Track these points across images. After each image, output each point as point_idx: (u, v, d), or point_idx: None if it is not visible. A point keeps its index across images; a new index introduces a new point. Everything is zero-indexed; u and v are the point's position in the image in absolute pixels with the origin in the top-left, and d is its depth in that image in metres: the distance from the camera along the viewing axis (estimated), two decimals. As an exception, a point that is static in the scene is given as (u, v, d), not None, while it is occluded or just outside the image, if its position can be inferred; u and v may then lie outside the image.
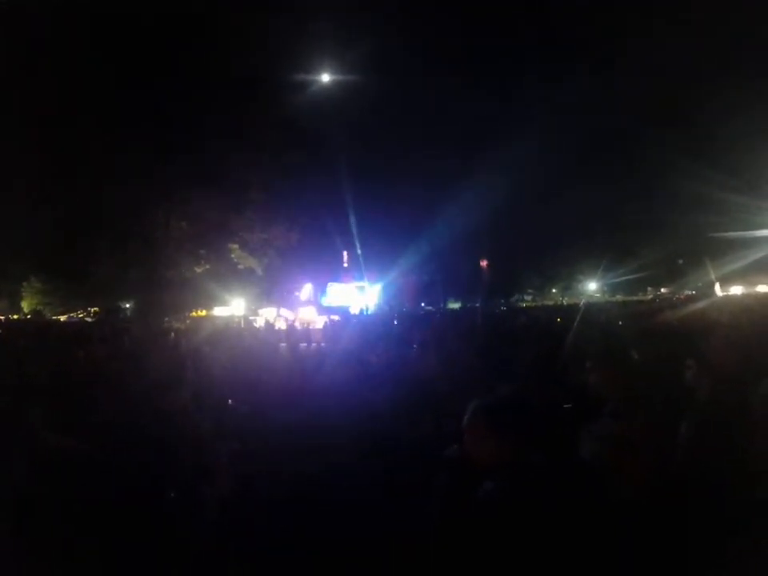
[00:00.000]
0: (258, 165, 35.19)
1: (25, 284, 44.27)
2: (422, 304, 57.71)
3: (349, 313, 30.43)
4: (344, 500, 3.38)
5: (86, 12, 29.07)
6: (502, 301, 62.14)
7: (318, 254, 43.57)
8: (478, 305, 44.27)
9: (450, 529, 2.49)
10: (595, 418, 3.00)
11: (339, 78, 34.72)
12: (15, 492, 3.36)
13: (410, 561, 2.77)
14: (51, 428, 3.97)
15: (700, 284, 38.95)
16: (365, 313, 29.49)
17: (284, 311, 34.87)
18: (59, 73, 30.10)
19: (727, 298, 22.18)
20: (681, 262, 53.53)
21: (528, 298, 73.10)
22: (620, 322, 12.46)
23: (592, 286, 64.25)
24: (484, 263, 59.50)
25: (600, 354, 3.67)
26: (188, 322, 28.80)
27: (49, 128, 31.10)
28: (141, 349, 9.66)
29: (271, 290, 39.72)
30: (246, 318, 30.35)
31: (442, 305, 55.29)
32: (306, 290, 42.95)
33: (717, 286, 26.69)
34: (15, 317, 40.00)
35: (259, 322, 25.69)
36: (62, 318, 38.57)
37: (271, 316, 33.06)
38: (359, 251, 47.30)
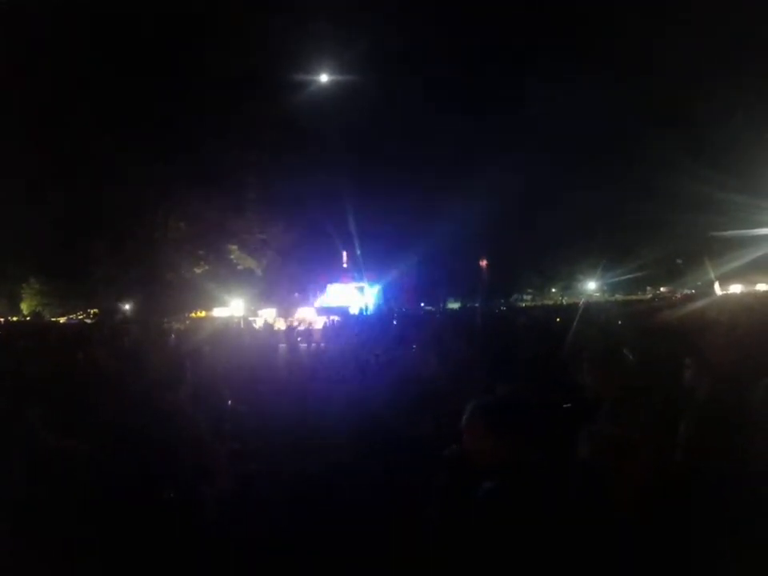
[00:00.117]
0: (257, 165, 35.22)
1: (24, 285, 44.23)
2: (422, 304, 57.73)
3: (348, 313, 30.44)
4: (343, 500, 3.38)
5: (85, 12, 29.06)
6: (502, 301, 62.16)
7: (317, 254, 43.60)
8: (477, 305, 44.29)
9: (450, 528, 2.49)
10: (594, 417, 3.01)
11: (338, 78, 34.73)
12: (15, 492, 3.36)
13: (410, 560, 2.77)
14: (51, 428, 3.97)
15: (699, 283, 38.97)
16: (364, 313, 29.51)
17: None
18: (58, 73, 30.13)
19: (726, 296, 22.19)
20: (679, 261, 53.50)
21: (527, 297, 73.10)
22: (619, 322, 12.47)
23: (591, 286, 64.19)
24: (483, 263, 59.44)
25: (596, 354, 3.68)
26: (187, 322, 28.79)
27: (48, 128, 31.10)
28: (140, 349, 9.66)
29: (270, 290, 39.73)
30: (245, 318, 30.35)
31: (441, 305, 55.31)
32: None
33: (716, 285, 26.70)
34: (14, 318, 39.99)
35: (258, 323, 25.68)
36: (62, 320, 38.55)
37: (270, 317, 33.07)
38: (358, 251, 47.31)
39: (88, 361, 8.40)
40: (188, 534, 3.30)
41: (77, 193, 32.29)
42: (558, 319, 14.90)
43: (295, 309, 36.73)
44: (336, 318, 26.33)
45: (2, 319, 34.99)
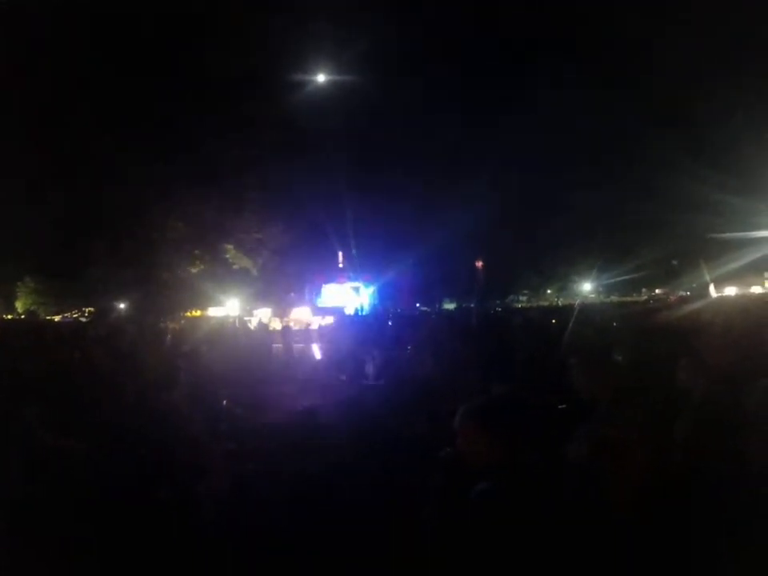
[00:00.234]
0: (255, 165, 35.19)
1: (19, 284, 44.09)
2: (417, 304, 57.74)
3: (344, 313, 30.41)
4: (339, 500, 3.38)
5: (82, 11, 29.01)
6: (498, 301, 62.24)
7: (314, 254, 43.57)
8: (473, 305, 44.30)
9: (446, 529, 2.49)
10: (589, 418, 3.01)
11: (336, 78, 34.69)
12: (11, 490, 3.35)
13: (406, 561, 2.77)
14: (47, 427, 3.97)
15: (694, 285, 39.04)
16: (360, 313, 29.49)
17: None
18: (57, 72, 30.07)
19: (722, 299, 22.24)
20: (675, 262, 53.58)
21: (523, 298, 73.23)
22: (614, 323, 12.49)
23: (587, 287, 64.29)
24: (479, 264, 59.48)
25: (589, 356, 3.69)
26: (182, 322, 28.75)
27: (46, 128, 31.04)
28: (136, 349, 9.64)
29: (266, 290, 39.69)
30: (240, 318, 30.31)
31: (437, 305, 55.33)
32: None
33: (711, 287, 26.73)
34: (9, 317, 39.86)
35: (254, 323, 25.65)
36: (57, 318, 38.43)
37: (266, 316, 33.03)
38: (354, 252, 47.29)
39: (83, 360, 8.39)
40: (184, 534, 3.30)
41: (75, 192, 32.23)
42: (553, 321, 14.91)
43: (291, 309, 36.71)
44: (331, 318, 26.30)
45: (-3, 317, 34.91)
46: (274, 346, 15.30)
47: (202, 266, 37.41)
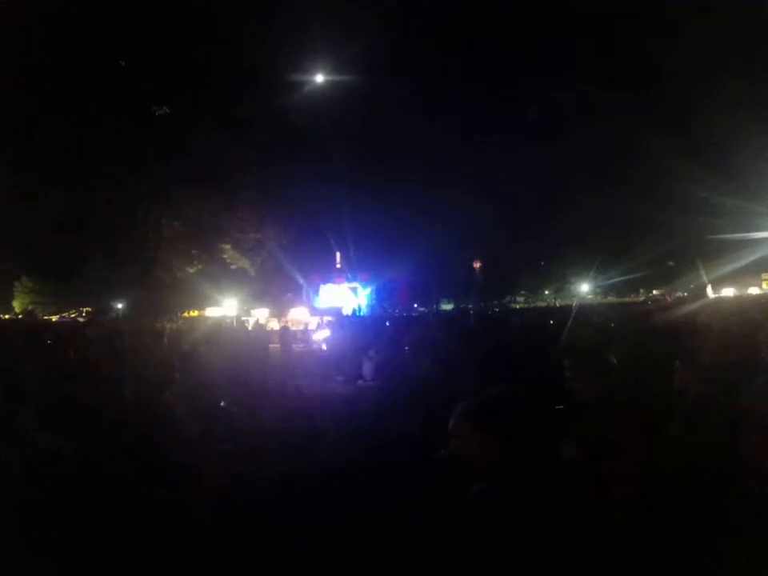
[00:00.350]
0: (251, 165, 35.16)
1: (17, 283, 44.08)
2: (415, 305, 57.79)
3: (341, 314, 30.44)
4: (335, 501, 3.38)
5: (77, 11, 28.97)
6: (495, 302, 62.33)
7: (311, 254, 43.59)
8: (470, 306, 44.36)
9: (442, 530, 2.49)
10: (584, 419, 3.01)
11: (333, 78, 34.69)
12: (7, 492, 3.35)
13: (403, 562, 2.77)
14: (43, 428, 3.96)
15: (692, 286, 39.11)
16: (357, 314, 29.53)
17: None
18: (53, 72, 30.02)
19: (719, 299, 22.26)
20: (671, 263, 53.70)
21: (521, 299, 73.35)
22: (611, 324, 12.49)
23: (585, 288, 64.40)
24: (477, 265, 59.57)
25: (584, 356, 3.70)
26: (180, 322, 28.75)
27: (42, 127, 31.00)
28: (133, 349, 9.62)
29: (263, 290, 39.70)
30: (238, 318, 30.31)
31: (434, 306, 55.41)
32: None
33: (708, 288, 26.77)
34: (7, 316, 39.85)
35: (251, 323, 25.67)
36: (54, 318, 38.43)
37: (263, 317, 33.05)
38: (352, 252, 47.35)
39: (81, 360, 8.37)
40: (182, 535, 3.30)
41: (70, 191, 32.18)
42: (551, 321, 14.91)
43: (288, 309, 36.74)
44: (329, 318, 26.31)
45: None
46: (271, 346, 15.32)
47: (200, 266, 37.39)
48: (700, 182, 35.87)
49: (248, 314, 35.35)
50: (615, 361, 3.55)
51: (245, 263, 38.43)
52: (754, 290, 39.24)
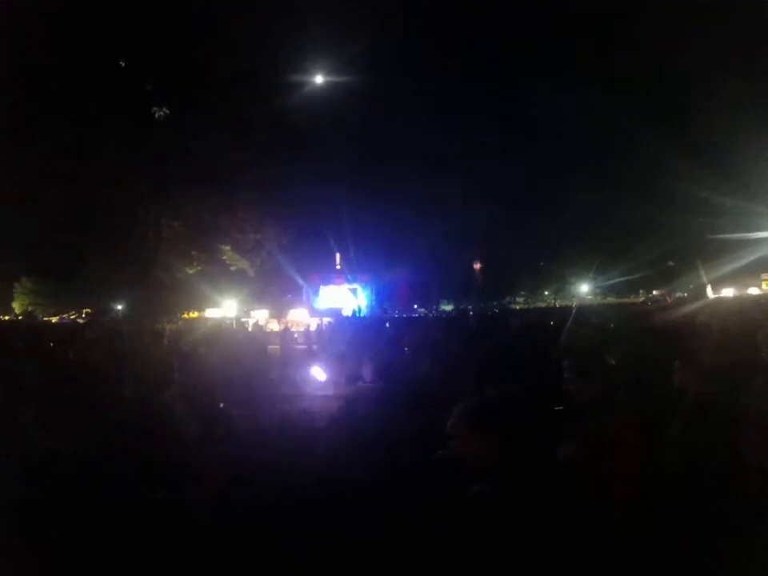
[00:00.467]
0: (251, 165, 35.15)
1: (16, 284, 44.06)
2: (415, 306, 57.81)
3: (341, 315, 30.44)
4: (333, 503, 3.38)
5: (76, 11, 28.98)
6: (495, 303, 62.36)
7: (311, 255, 43.58)
8: (470, 307, 44.39)
9: (440, 531, 2.49)
10: (583, 419, 3.02)
11: (334, 79, 34.72)
12: (6, 493, 3.35)
13: (401, 563, 2.77)
14: (43, 429, 3.96)
15: (692, 286, 39.12)
16: (357, 315, 29.53)
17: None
18: (53, 72, 30.02)
19: (719, 300, 22.26)
20: (671, 263, 53.72)
21: (521, 300, 73.37)
22: (611, 324, 12.49)
23: (584, 288, 64.42)
24: (477, 266, 59.61)
25: (584, 357, 3.70)
26: (180, 323, 28.75)
27: (41, 127, 31.01)
28: (133, 350, 9.63)
29: (263, 291, 39.68)
30: (238, 319, 30.32)
31: (434, 307, 55.45)
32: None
33: (708, 289, 26.79)
34: (6, 318, 39.85)
35: (251, 324, 25.69)
36: (54, 319, 38.43)
37: (263, 318, 33.05)
38: (352, 253, 47.37)
39: (80, 361, 8.38)
40: (180, 536, 3.30)
41: (69, 192, 32.18)
42: (551, 322, 14.91)
43: (287, 310, 36.75)
44: (329, 319, 26.33)
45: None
46: (270, 347, 15.32)
47: (199, 267, 37.37)
48: (700, 182, 35.90)
49: (248, 314, 35.35)
50: (614, 361, 3.55)
51: (244, 264, 38.41)
52: (753, 291, 39.25)
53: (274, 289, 40.74)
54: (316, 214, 40.18)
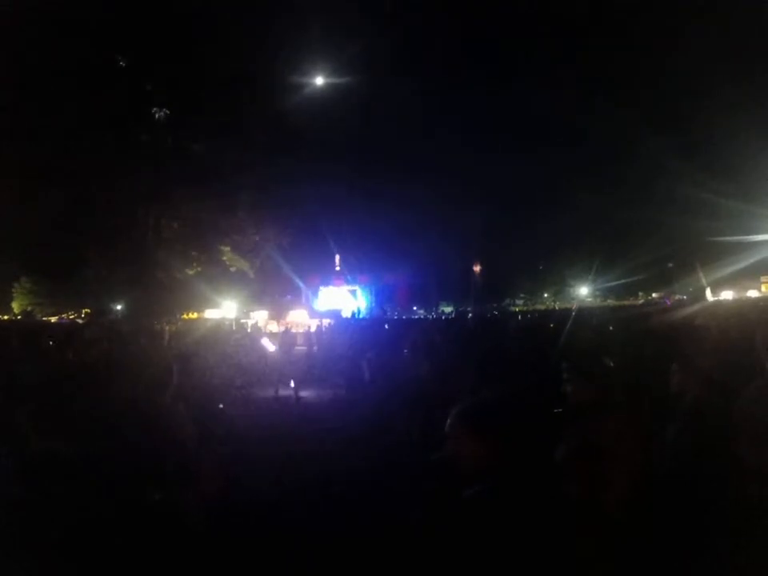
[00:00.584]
0: (250, 166, 35.11)
1: (15, 285, 44.03)
2: (415, 308, 57.79)
3: (340, 316, 30.42)
4: (332, 503, 3.38)
5: (76, 10, 28.97)
6: (494, 305, 62.32)
7: (310, 256, 43.57)
8: (469, 309, 44.38)
9: (438, 532, 2.50)
10: (581, 421, 3.02)
11: (334, 80, 34.72)
12: (7, 493, 3.35)
13: (397, 563, 2.77)
14: (41, 430, 3.96)
15: (691, 289, 39.14)
16: (357, 316, 29.51)
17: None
18: (51, 71, 29.99)
19: (718, 302, 22.26)
20: (670, 266, 53.69)
21: (520, 302, 73.31)
22: (610, 327, 12.49)
23: (584, 291, 64.41)
24: (477, 268, 59.58)
25: (582, 359, 3.70)
26: (179, 324, 28.72)
27: (40, 127, 30.97)
28: (132, 351, 9.63)
29: (263, 292, 39.65)
30: (237, 320, 30.30)
31: (434, 308, 55.43)
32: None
33: (708, 291, 26.78)
34: (5, 317, 39.82)
35: (250, 325, 25.67)
36: (53, 319, 38.40)
37: (262, 319, 33.03)
38: (351, 255, 47.37)
39: (79, 360, 8.37)
40: (179, 536, 3.30)
41: (67, 192, 32.13)
42: (551, 324, 14.91)
43: (287, 311, 36.75)
44: (328, 321, 26.32)
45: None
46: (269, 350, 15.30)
47: (199, 268, 37.30)
48: (699, 185, 35.95)
49: (247, 316, 35.34)
50: (613, 363, 3.55)
51: (244, 265, 38.34)
52: (752, 293, 39.28)
53: (274, 290, 40.72)
54: (316, 215, 40.20)
